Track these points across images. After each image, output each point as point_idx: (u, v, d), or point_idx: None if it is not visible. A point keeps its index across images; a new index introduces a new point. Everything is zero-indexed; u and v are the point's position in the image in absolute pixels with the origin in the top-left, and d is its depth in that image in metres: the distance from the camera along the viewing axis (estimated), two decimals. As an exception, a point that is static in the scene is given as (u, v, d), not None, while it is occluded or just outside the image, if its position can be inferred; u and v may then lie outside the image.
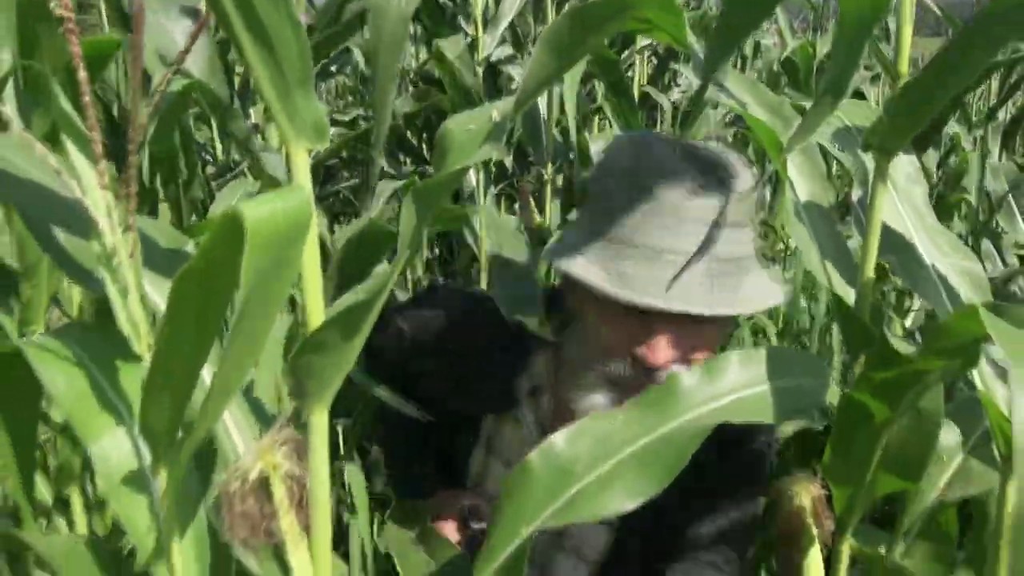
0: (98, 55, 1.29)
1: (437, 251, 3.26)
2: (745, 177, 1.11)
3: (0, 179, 0.86)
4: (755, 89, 1.11)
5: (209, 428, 0.67)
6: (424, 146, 3.58)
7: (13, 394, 1.00)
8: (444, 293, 1.45)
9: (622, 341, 1.11)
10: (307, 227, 0.58)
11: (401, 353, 1.36)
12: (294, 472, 0.83)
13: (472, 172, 2.73)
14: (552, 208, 2.61)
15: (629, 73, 3.22)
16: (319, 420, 0.82)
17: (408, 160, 3.50)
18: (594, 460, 0.94)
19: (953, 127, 3.07)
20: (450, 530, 1.32)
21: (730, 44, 0.98)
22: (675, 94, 3.60)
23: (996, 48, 0.90)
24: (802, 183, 1.12)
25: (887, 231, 1.09)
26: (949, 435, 1.19)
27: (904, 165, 1.13)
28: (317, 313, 0.78)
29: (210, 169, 3.19)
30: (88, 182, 0.73)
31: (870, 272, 1.03)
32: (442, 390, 1.33)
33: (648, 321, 1.09)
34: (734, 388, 0.92)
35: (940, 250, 1.08)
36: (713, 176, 1.08)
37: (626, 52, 3.23)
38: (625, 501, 0.92)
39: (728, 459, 1.21)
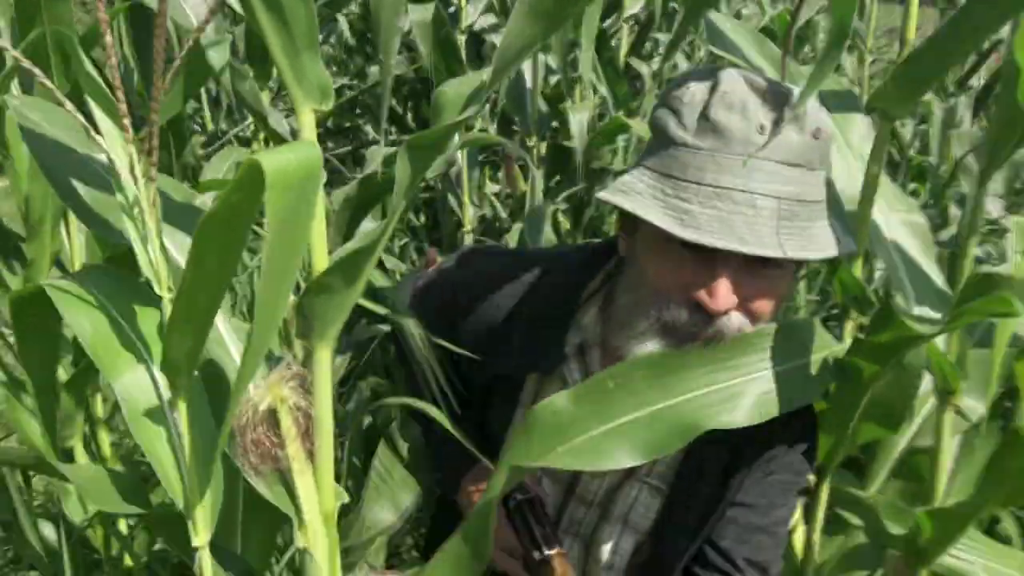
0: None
1: (423, 218, 3.33)
2: (820, 117, 1.04)
3: (26, 138, 0.94)
4: (760, 45, 1.18)
5: (257, 359, 0.74)
6: (409, 115, 3.65)
7: (34, 335, 1.08)
8: (487, 252, 1.41)
9: (681, 285, 1.05)
10: (318, 175, 0.66)
11: (445, 316, 1.32)
12: (300, 404, 0.92)
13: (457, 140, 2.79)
14: (537, 176, 2.68)
15: (613, 42, 3.28)
16: (323, 356, 0.90)
17: (394, 129, 3.57)
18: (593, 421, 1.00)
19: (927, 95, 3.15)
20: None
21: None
22: (656, 64, 3.64)
23: (999, 23, 0.97)
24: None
25: (841, 189, 1.18)
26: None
27: (858, 125, 1.22)
28: (322, 259, 0.86)
29: (200, 138, 3.25)
30: (111, 138, 0.80)
31: (866, 236, 1.12)
32: (488, 352, 1.27)
33: (710, 263, 1.03)
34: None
35: (889, 204, 1.17)
36: (785, 111, 1.01)
37: (609, 20, 3.29)
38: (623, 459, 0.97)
39: (779, 431, 1.16)
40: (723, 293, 1.03)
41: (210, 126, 3.40)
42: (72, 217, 1.60)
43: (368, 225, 1.71)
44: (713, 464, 1.22)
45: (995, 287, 0.95)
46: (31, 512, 1.79)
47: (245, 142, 3.29)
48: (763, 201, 0.99)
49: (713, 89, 1.02)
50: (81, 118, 0.78)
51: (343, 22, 4.13)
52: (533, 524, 1.18)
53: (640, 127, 2.18)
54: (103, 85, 0.81)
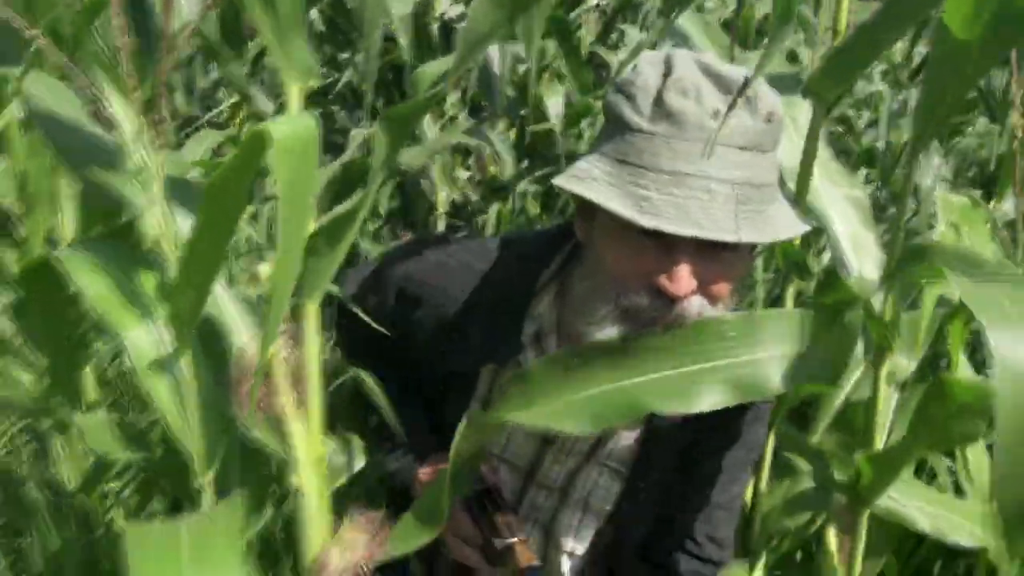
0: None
1: (397, 202, 3.41)
2: (771, 100, 1.04)
3: (35, 115, 1.01)
4: (710, 33, 1.27)
5: (281, 307, 0.81)
6: (382, 101, 3.72)
7: (45, 301, 1.16)
8: (436, 243, 1.34)
9: (640, 271, 1.05)
10: (316, 142, 0.74)
11: (396, 310, 1.29)
12: (291, 356, 1.00)
13: (426, 126, 2.89)
14: (507, 159, 2.77)
15: (579, 33, 3.38)
16: (311, 312, 0.99)
17: (364, 117, 3.64)
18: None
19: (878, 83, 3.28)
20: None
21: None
22: (622, 54, 3.74)
23: (917, 16, 1.07)
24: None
25: (790, 168, 1.29)
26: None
27: (804, 107, 1.32)
28: (309, 225, 0.95)
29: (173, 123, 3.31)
30: (119, 109, 0.88)
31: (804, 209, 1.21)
32: (443, 346, 1.25)
33: (670, 249, 1.03)
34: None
35: (832, 180, 1.27)
36: (738, 95, 1.01)
37: (574, 12, 3.39)
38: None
39: (736, 411, 1.16)
40: (684, 278, 1.03)
41: (184, 109, 3.46)
42: (63, 195, 1.66)
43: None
44: (671, 445, 1.26)
45: (924, 255, 1.05)
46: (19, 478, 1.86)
47: (218, 126, 3.36)
48: (718, 186, 0.99)
49: (667, 74, 1.02)
50: (94, 90, 0.86)
51: (314, 13, 4.19)
52: (493, 513, 1.17)
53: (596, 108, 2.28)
54: (111, 60, 0.89)
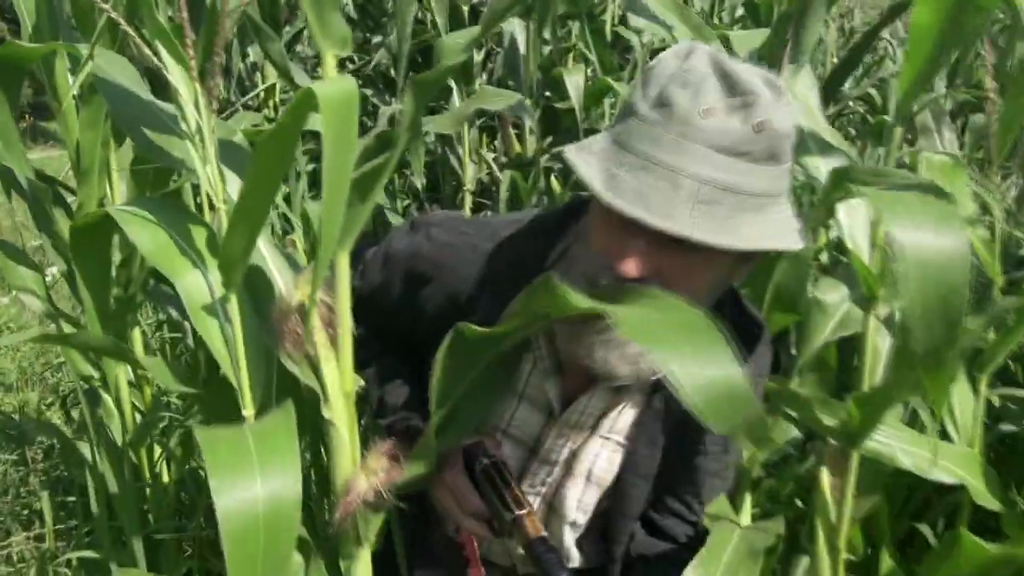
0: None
1: (425, 181, 3.53)
2: (770, 110, 1.01)
3: (100, 85, 1.14)
4: (680, 11, 1.38)
5: (330, 247, 0.93)
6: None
7: (90, 259, 1.29)
8: (447, 222, 1.34)
9: (603, 248, 1.08)
10: (356, 99, 0.86)
11: (406, 287, 1.32)
12: (325, 300, 1.12)
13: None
14: (531, 138, 2.88)
15: (603, 16, 3.48)
16: (343, 260, 1.11)
17: (392, 98, 3.77)
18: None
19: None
20: (456, 471, 1.27)
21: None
22: (647, 35, 3.82)
23: None
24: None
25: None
26: (836, 293, 1.50)
27: (804, 76, 1.42)
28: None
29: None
30: (178, 78, 1.01)
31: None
32: (447, 324, 1.20)
33: (630, 230, 1.03)
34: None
35: (823, 144, 1.37)
36: (739, 100, 1.00)
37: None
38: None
39: None
40: (630, 260, 1.04)
41: (222, 95, 3.60)
42: (114, 166, 1.80)
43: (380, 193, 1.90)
44: (670, 417, 1.29)
45: (847, 175, 1.06)
46: (73, 436, 2.02)
47: (254, 110, 3.50)
48: (685, 182, 0.99)
49: (682, 63, 1.03)
50: (155, 60, 0.98)
51: (347, -2, 4.32)
52: (501, 487, 1.20)
53: (625, 90, 2.37)
54: (171, 35, 1.01)
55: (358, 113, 0.87)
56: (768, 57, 1.30)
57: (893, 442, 1.40)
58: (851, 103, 3.65)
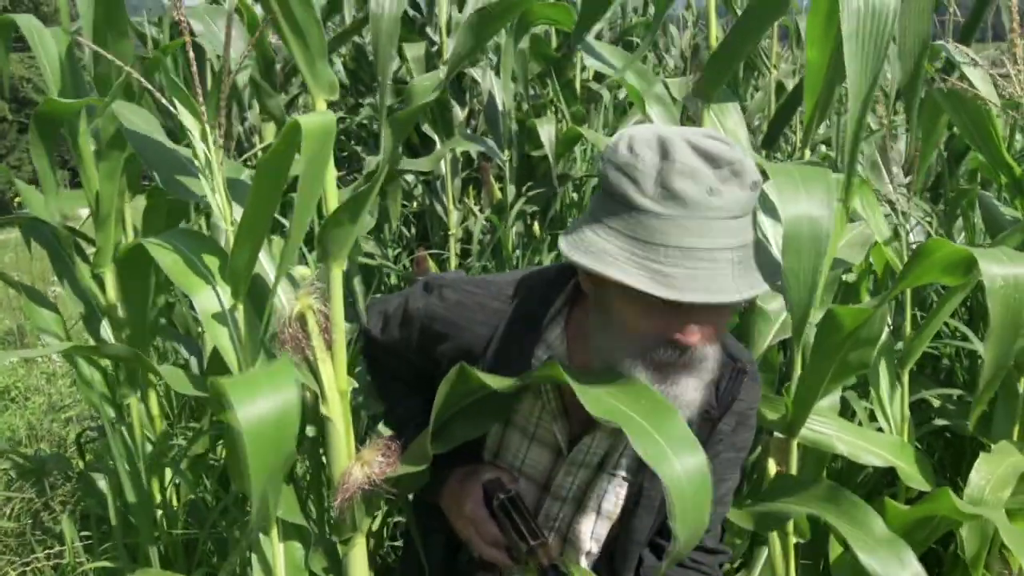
0: (160, 56, 1.78)
1: (413, 230, 3.74)
2: (751, 169, 1.15)
3: (128, 134, 1.34)
4: (626, 58, 1.60)
5: (297, 240, 1.15)
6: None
7: (135, 280, 1.48)
8: (454, 283, 1.48)
9: (660, 329, 1.18)
10: (333, 130, 1.06)
11: (420, 343, 1.45)
12: (321, 309, 1.31)
13: (441, 161, 3.24)
14: (509, 184, 3.09)
15: (583, 74, 3.75)
16: (336, 274, 1.30)
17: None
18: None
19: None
20: (476, 504, 1.38)
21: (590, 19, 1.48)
22: (621, 92, 4.07)
23: (764, 27, 1.40)
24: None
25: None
26: (776, 302, 1.69)
27: (732, 112, 1.62)
28: (333, 203, 1.26)
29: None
30: (189, 121, 1.20)
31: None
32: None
33: (685, 311, 1.15)
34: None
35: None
36: (728, 170, 1.13)
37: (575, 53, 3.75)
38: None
39: (738, 429, 1.39)
40: (696, 333, 1.17)
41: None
42: (127, 214, 2.00)
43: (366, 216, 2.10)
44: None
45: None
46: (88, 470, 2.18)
47: (253, 168, 3.71)
48: (721, 254, 1.12)
49: (664, 156, 1.14)
50: (174, 110, 1.18)
51: (339, 64, 4.59)
52: (517, 519, 1.31)
53: (592, 136, 2.56)
54: (183, 87, 1.21)
55: (334, 143, 1.07)
56: (701, 95, 1.51)
57: (830, 431, 1.57)
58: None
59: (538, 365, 1.34)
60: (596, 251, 1.16)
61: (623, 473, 1.40)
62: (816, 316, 1.51)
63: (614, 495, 1.41)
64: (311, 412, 1.40)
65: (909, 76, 1.24)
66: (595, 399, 1.08)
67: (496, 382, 1.21)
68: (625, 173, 1.15)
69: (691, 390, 1.20)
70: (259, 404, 1.11)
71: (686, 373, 1.19)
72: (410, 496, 1.59)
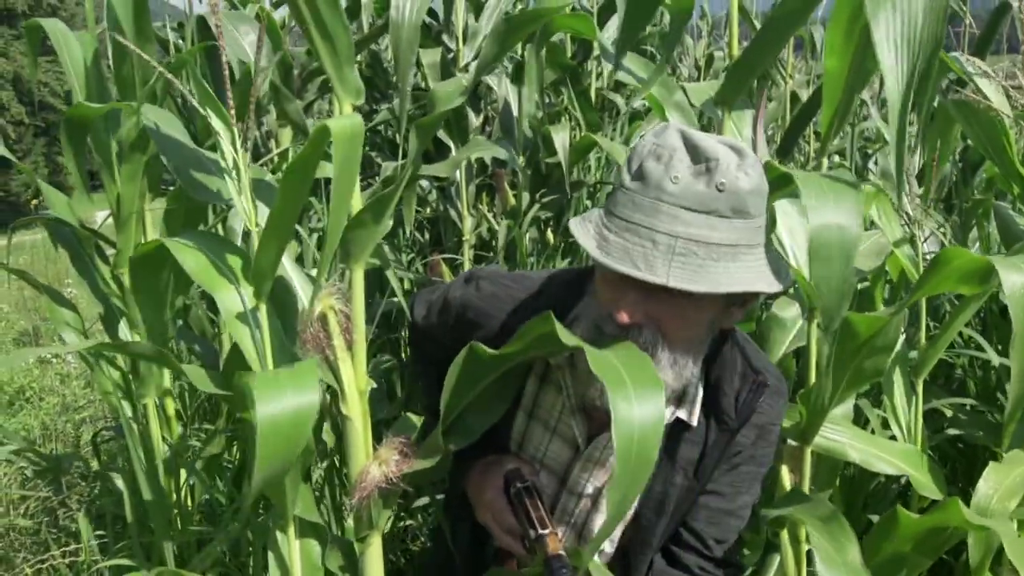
0: (185, 59, 1.81)
1: (427, 236, 3.76)
2: (731, 174, 1.16)
3: (154, 137, 1.36)
4: (648, 68, 1.61)
5: (333, 246, 1.18)
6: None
7: (147, 284, 1.50)
8: (491, 276, 1.54)
9: (605, 301, 1.25)
10: (362, 132, 1.08)
11: (456, 330, 1.50)
12: (342, 309, 1.32)
13: (458, 174, 3.27)
14: (524, 191, 3.11)
15: (598, 82, 3.77)
16: (358, 275, 1.32)
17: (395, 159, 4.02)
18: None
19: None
20: (496, 492, 1.42)
21: (631, 37, 1.49)
22: (636, 100, 4.09)
23: (786, 36, 1.42)
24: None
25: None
26: (791, 310, 1.70)
27: (749, 120, 1.64)
28: (357, 205, 1.28)
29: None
30: (218, 124, 1.22)
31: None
32: None
33: (623, 285, 1.19)
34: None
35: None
36: (703, 166, 1.15)
37: (590, 61, 3.77)
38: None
39: (746, 432, 1.39)
40: (623, 310, 1.21)
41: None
42: (147, 216, 2.02)
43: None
44: (685, 459, 1.41)
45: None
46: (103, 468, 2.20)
47: (270, 172, 3.75)
48: (661, 238, 1.15)
49: (658, 139, 1.20)
50: (207, 117, 1.20)
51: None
52: (531, 508, 1.34)
53: (606, 143, 2.58)
54: (211, 91, 1.24)
55: (362, 139, 1.09)
56: (721, 103, 1.53)
57: (843, 439, 1.58)
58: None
59: (564, 363, 1.40)
60: (584, 218, 1.24)
61: None
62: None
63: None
64: (328, 413, 1.42)
65: (920, 77, 1.25)
66: (595, 355, 1.11)
67: (507, 351, 1.25)
68: (629, 156, 1.23)
69: None
70: (280, 402, 1.13)
71: None
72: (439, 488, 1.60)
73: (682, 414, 1.38)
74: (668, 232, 1.15)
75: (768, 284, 1.20)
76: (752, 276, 1.19)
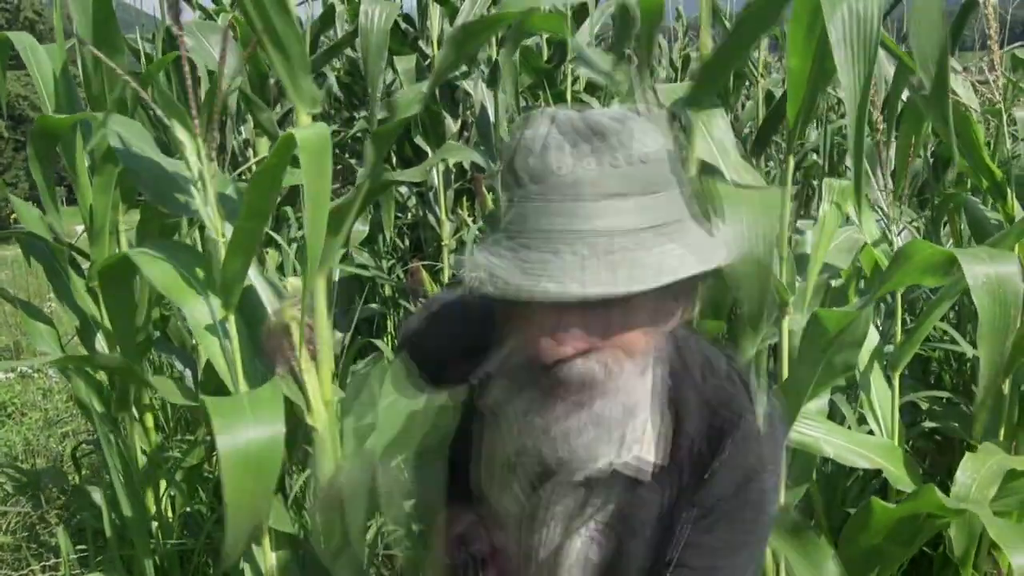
0: (153, 70, 1.80)
1: (407, 242, 3.76)
2: (641, 144, 0.92)
3: (119, 151, 1.36)
4: (616, 64, 1.61)
5: (315, 258, 1.14)
6: (392, 155, 4.11)
7: (115, 294, 1.50)
8: (405, 332, 1.29)
9: (537, 343, 0.96)
10: (329, 142, 1.07)
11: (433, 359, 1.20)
12: (306, 321, 1.32)
13: (435, 173, 3.26)
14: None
15: (575, 85, 3.77)
16: (320, 285, 1.31)
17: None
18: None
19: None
20: (442, 553, 1.24)
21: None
22: (612, 103, 4.10)
23: (757, 36, 1.42)
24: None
25: (707, 164, 1.60)
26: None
27: (719, 120, 1.64)
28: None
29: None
30: (181, 134, 1.22)
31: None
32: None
33: (549, 313, 0.93)
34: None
35: (739, 175, 1.58)
36: (588, 145, 0.91)
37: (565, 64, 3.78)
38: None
39: (717, 483, 1.06)
40: (564, 345, 0.95)
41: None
42: (121, 227, 2.01)
43: (359, 225, 2.12)
44: (650, 512, 1.14)
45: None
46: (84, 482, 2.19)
47: (247, 182, 3.74)
48: (560, 239, 0.90)
49: (519, 132, 0.95)
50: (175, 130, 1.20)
51: (332, 78, 4.61)
52: None
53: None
54: (177, 103, 1.23)
55: (330, 149, 1.09)
56: (692, 103, 1.53)
57: (818, 434, 1.58)
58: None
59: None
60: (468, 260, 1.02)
61: (595, 535, 1.18)
62: (802, 320, 1.53)
63: (594, 555, 1.19)
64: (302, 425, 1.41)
65: (933, 85, 1.26)
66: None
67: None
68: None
69: None
70: (241, 434, 1.11)
71: None
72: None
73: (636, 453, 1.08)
74: (574, 233, 0.89)
75: (709, 260, 0.95)
76: (693, 254, 0.94)
